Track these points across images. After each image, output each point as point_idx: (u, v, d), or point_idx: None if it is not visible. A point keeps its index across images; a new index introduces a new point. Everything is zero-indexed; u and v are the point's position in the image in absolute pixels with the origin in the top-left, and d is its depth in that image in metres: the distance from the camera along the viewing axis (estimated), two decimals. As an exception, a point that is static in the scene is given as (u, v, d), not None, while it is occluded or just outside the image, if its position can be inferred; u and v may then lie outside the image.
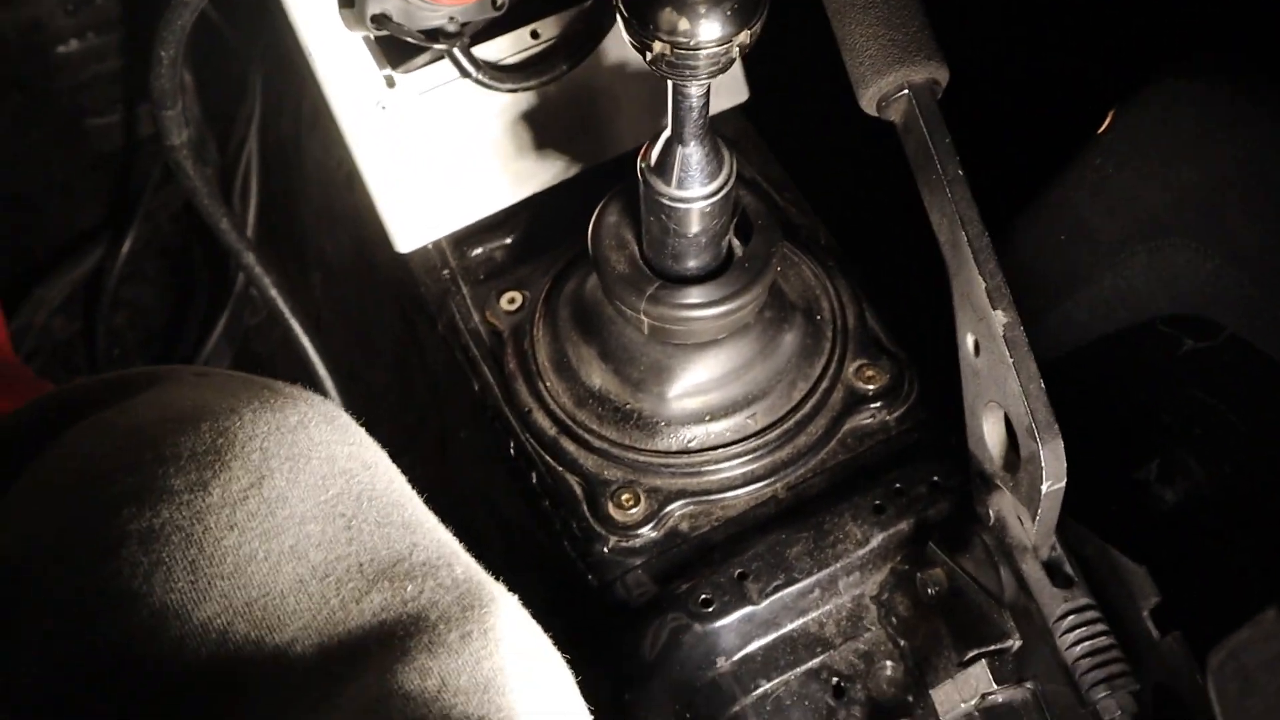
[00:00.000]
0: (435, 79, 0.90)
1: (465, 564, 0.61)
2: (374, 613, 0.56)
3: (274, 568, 0.55)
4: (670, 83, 0.67)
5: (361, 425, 0.66)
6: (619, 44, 0.93)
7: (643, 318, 0.77)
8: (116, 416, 0.60)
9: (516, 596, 0.62)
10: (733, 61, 0.64)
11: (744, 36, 0.64)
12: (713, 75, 0.64)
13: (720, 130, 0.78)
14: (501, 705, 0.53)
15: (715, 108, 0.99)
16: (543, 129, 0.94)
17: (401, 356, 1.06)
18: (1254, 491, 0.78)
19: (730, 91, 0.99)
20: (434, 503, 0.69)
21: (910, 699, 0.76)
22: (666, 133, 0.71)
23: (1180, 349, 0.78)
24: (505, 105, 0.92)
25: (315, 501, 0.58)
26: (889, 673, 0.77)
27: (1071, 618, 0.68)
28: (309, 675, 0.53)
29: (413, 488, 0.68)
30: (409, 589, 0.57)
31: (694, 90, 0.66)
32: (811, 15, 0.76)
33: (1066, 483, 0.69)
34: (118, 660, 0.52)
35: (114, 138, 1.27)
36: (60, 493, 0.56)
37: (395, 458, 0.71)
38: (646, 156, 0.72)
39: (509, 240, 0.95)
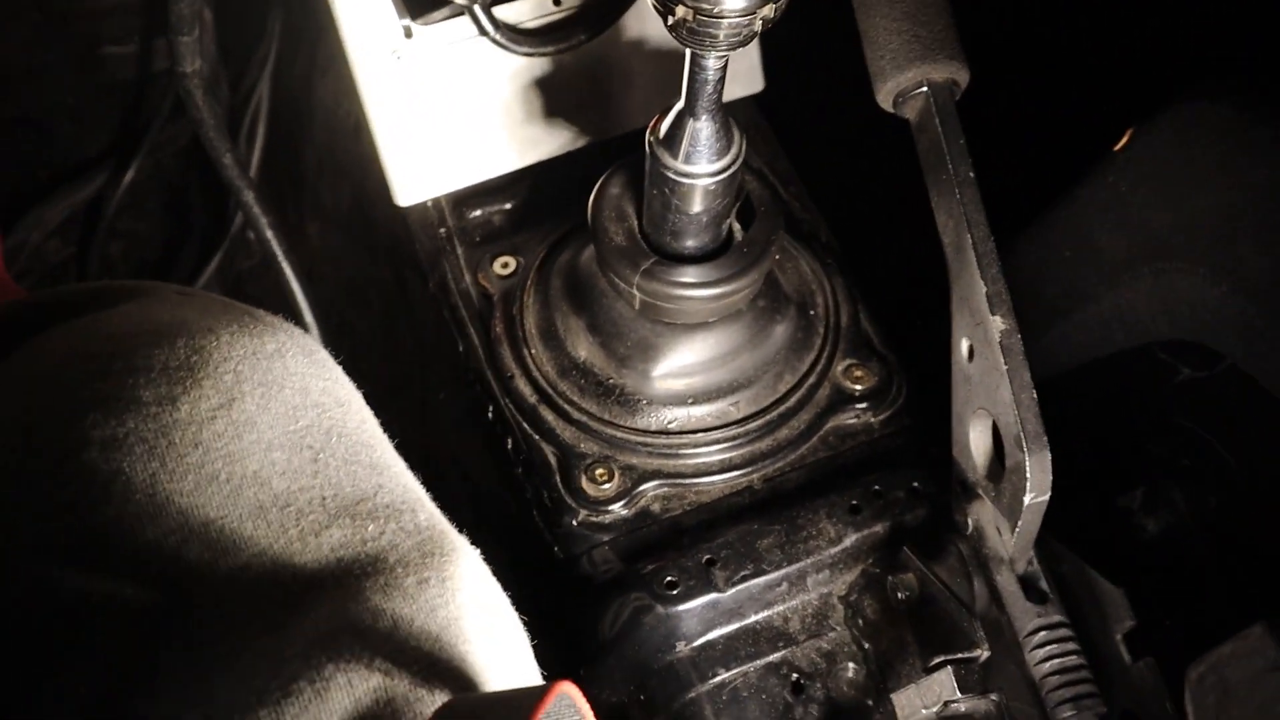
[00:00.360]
0: (453, 34, 0.88)
1: (429, 512, 0.60)
2: (332, 548, 0.55)
3: (235, 490, 0.54)
4: (688, 52, 0.66)
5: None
6: (639, 19, 0.92)
7: (635, 292, 0.76)
8: (91, 323, 0.59)
9: (479, 551, 0.61)
10: (754, 35, 0.63)
11: (768, 10, 0.63)
12: (732, 47, 0.63)
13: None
14: (453, 655, 0.52)
15: (729, 95, 0.98)
16: (554, 97, 0.92)
17: (390, 312, 1.04)
18: (1236, 528, 0.77)
19: (746, 80, 0.97)
20: (407, 460, 0.68)
21: (870, 703, 0.75)
22: (679, 105, 0.70)
23: (1176, 377, 0.77)
24: (520, 69, 0.91)
25: (284, 430, 0.57)
26: (850, 674, 0.75)
27: (1043, 634, 0.67)
28: (260, 602, 0.52)
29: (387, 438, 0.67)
30: (370, 529, 0.56)
31: (711, 62, 0.65)
32: (835, 13, 0.75)
33: (1049, 499, 0.68)
34: (68, 564, 0.51)
35: (129, 68, 1.25)
36: (25, 393, 0.55)
37: (374, 413, 0.70)
38: (655, 129, 0.71)
39: (508, 205, 0.94)
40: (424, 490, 0.61)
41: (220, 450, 0.54)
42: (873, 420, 0.83)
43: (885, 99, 0.72)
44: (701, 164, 0.70)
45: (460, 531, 0.60)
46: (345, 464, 0.57)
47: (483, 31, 0.85)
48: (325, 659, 0.48)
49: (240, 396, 0.56)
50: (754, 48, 0.97)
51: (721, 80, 0.66)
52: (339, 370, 0.65)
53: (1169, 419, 0.80)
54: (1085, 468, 0.84)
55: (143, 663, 0.50)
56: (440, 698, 0.50)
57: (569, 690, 0.50)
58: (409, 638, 0.51)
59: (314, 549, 0.54)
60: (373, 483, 0.57)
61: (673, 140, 0.70)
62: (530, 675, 0.60)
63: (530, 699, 0.48)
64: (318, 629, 0.50)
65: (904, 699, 0.67)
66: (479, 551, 0.61)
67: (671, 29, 0.63)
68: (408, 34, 0.87)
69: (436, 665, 0.51)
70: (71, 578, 0.50)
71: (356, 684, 0.48)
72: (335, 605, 0.52)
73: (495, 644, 0.56)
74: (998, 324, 0.66)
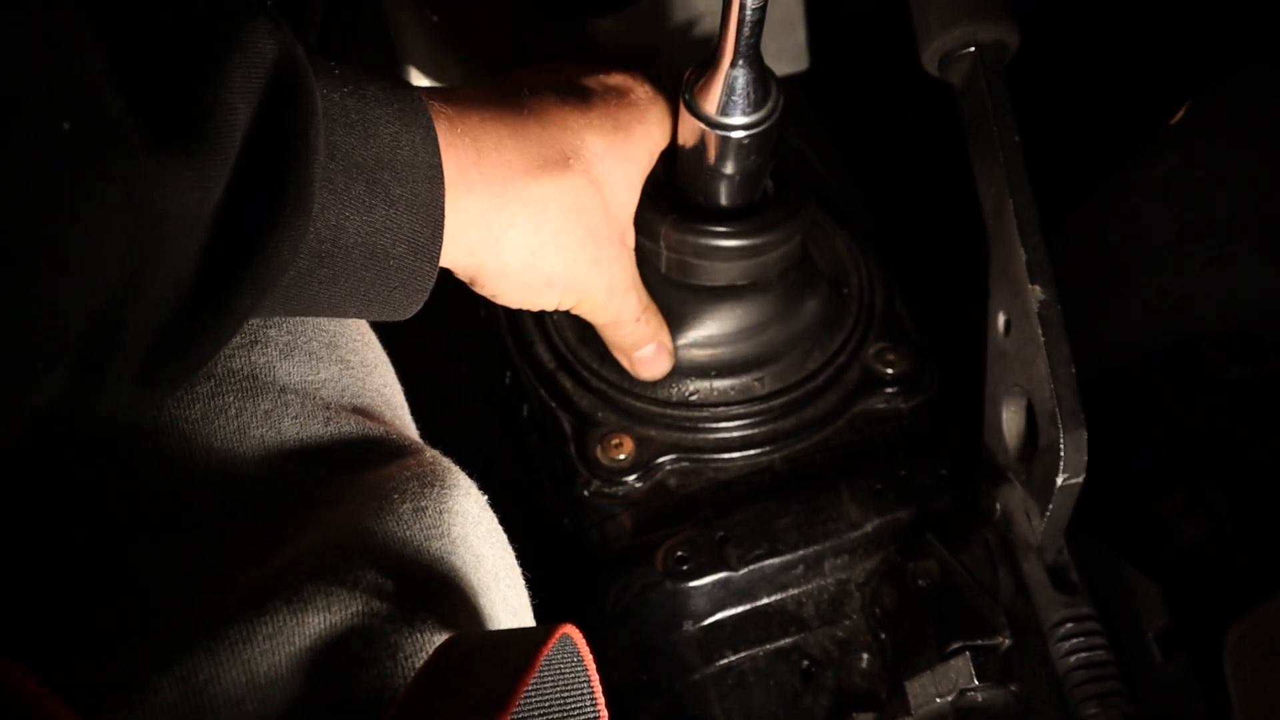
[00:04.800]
0: (490, -7, 0.87)
1: (434, 454, 0.58)
2: (332, 485, 0.53)
3: (242, 426, 0.53)
4: None
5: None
6: (685, -12, 0.90)
7: (660, 245, 0.73)
8: None
9: (486, 497, 0.58)
10: None
11: None
12: None
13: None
14: (444, 589, 0.50)
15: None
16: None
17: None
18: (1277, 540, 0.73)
19: (791, 58, 0.95)
20: (423, 428, 0.67)
21: (883, 696, 0.71)
22: (713, 51, 0.67)
23: (1224, 374, 0.73)
24: (555, 33, 0.89)
25: (302, 378, 0.57)
26: (864, 665, 0.72)
27: (1069, 625, 0.63)
28: (254, 526, 0.50)
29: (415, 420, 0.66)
30: (368, 468, 0.54)
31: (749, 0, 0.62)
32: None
33: (1082, 492, 0.64)
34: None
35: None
36: None
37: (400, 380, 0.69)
38: (689, 78, 0.68)
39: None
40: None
41: (233, 386, 0.54)
42: (903, 406, 0.80)
43: (930, 60, 0.69)
44: (736, 115, 0.67)
45: None
46: (357, 418, 0.56)
47: (521, -11, 0.84)
48: (305, 578, 0.46)
49: (265, 341, 0.56)
50: (800, 26, 0.95)
51: (759, 23, 0.63)
52: (372, 335, 0.65)
53: (1214, 419, 0.76)
54: (1123, 470, 0.80)
55: (130, 568, 0.49)
56: (424, 631, 0.47)
57: (572, 633, 0.48)
58: (399, 564, 0.48)
59: (312, 486, 0.53)
60: (379, 433, 0.56)
61: (706, 88, 0.67)
62: (526, 623, 0.57)
63: (533, 640, 0.45)
64: (300, 550, 0.48)
65: (918, 686, 0.63)
66: (486, 497, 0.59)
67: None
68: (445, -10, 0.86)
69: (424, 597, 0.48)
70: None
71: (335, 607, 0.46)
72: (326, 529, 0.49)
73: (491, 584, 0.53)
74: (1037, 293, 0.63)
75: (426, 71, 0.89)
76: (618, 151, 0.65)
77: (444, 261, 0.58)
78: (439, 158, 0.54)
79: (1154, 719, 0.62)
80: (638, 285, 0.70)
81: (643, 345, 0.74)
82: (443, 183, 0.54)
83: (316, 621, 0.45)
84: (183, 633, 0.43)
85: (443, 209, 0.55)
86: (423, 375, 1.00)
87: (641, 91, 0.67)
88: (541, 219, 0.61)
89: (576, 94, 0.65)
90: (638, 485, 0.77)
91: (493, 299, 0.65)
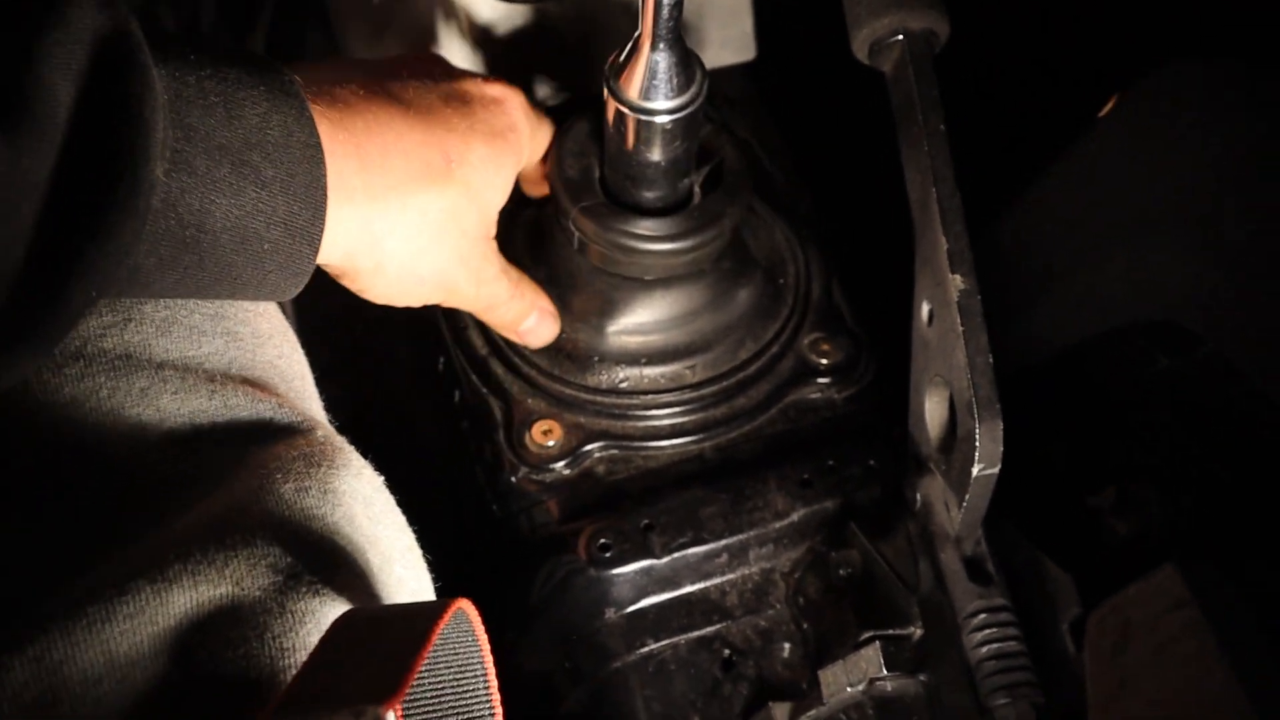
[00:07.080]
0: (432, -24, 0.86)
1: (327, 432, 0.57)
2: (214, 463, 0.52)
3: (117, 405, 0.52)
4: None
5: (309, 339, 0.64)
6: (629, -25, 0.89)
7: (572, 228, 0.72)
8: None
9: (383, 478, 0.58)
10: None
11: None
12: None
13: (722, 88, 0.73)
14: (327, 568, 0.49)
15: (719, 62, 0.95)
16: (535, 49, 0.90)
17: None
18: (1205, 531, 0.73)
19: (737, 48, 0.95)
20: (360, 416, 0.66)
21: (804, 686, 0.70)
22: (635, 35, 0.67)
23: (1154, 366, 0.73)
24: (500, 16, 0.89)
25: (182, 354, 0.55)
26: (785, 655, 0.71)
27: (983, 616, 0.63)
28: (126, 508, 0.49)
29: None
30: (254, 446, 0.53)
31: None
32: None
33: (1011, 484, 0.64)
34: None
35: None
36: None
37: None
38: (612, 63, 0.68)
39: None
40: (330, 425, 0.59)
41: (104, 366, 0.52)
42: (836, 396, 0.80)
43: (860, 48, 0.69)
44: (658, 100, 0.67)
45: (404, 494, 0.58)
46: (246, 389, 0.55)
47: (461, -27, 0.83)
48: (173, 558, 0.45)
49: (139, 318, 0.55)
50: (746, 14, 0.94)
51: (678, 4, 0.63)
52: (270, 305, 0.63)
53: (1144, 412, 0.75)
54: (1055, 465, 0.80)
55: None
56: (296, 612, 0.46)
57: (466, 608, 0.47)
58: (275, 544, 0.48)
59: (193, 465, 0.52)
60: (270, 406, 0.55)
61: (628, 73, 0.67)
62: (417, 586, 0.57)
63: (428, 615, 0.45)
64: (174, 531, 0.47)
65: (830, 675, 0.63)
66: (383, 478, 0.58)
67: None
68: (385, -28, 0.85)
69: (299, 578, 0.47)
70: None
71: (202, 586, 0.45)
72: (203, 509, 0.49)
73: (384, 566, 0.53)
74: (957, 283, 0.62)
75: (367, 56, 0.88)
76: (496, 158, 0.66)
77: (320, 259, 0.56)
78: (316, 135, 0.52)
79: (1064, 709, 0.61)
80: (504, 269, 0.71)
81: (523, 319, 0.75)
82: (323, 161, 0.53)
83: (181, 601, 0.44)
84: (41, 615, 0.42)
85: (324, 188, 0.53)
86: (359, 361, 1.00)
87: (515, 102, 0.69)
88: (421, 224, 0.62)
89: (459, 98, 0.66)
90: (566, 472, 0.76)
91: (359, 294, 0.64)
